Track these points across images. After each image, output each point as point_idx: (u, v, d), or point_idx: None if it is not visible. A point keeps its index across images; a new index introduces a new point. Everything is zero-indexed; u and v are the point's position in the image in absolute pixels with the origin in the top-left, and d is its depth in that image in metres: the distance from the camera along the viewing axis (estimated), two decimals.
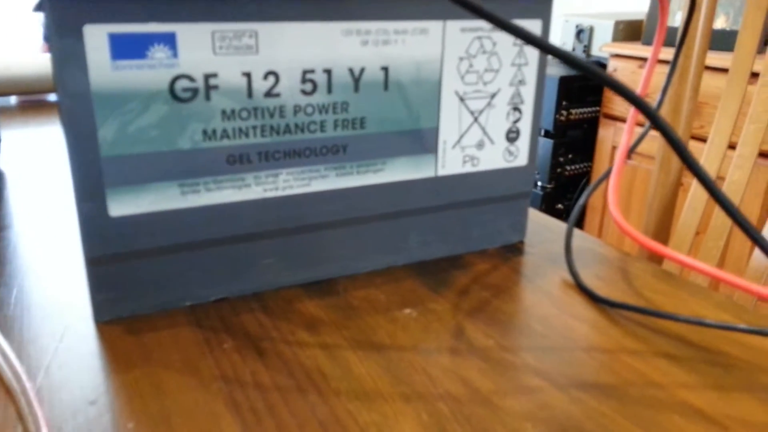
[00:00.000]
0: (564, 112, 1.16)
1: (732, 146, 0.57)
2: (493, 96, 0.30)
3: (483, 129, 0.30)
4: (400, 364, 0.23)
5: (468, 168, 0.31)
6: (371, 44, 0.26)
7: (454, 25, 0.28)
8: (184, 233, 0.25)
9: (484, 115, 0.30)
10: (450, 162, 0.30)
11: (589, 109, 1.18)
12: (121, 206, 0.24)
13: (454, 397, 0.21)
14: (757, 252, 0.55)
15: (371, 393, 0.21)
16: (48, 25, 0.21)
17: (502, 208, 0.33)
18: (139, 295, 0.25)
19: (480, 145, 0.30)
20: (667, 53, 0.96)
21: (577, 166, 1.22)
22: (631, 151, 0.33)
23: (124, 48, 0.22)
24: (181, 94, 0.23)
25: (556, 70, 1.20)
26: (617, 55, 1.11)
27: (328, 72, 0.26)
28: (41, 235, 0.34)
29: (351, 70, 0.26)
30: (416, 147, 0.29)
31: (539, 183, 1.22)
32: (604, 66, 1.17)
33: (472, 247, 0.32)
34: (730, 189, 0.56)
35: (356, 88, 0.27)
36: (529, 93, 0.31)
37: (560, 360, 0.23)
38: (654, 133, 1.02)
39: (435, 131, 0.29)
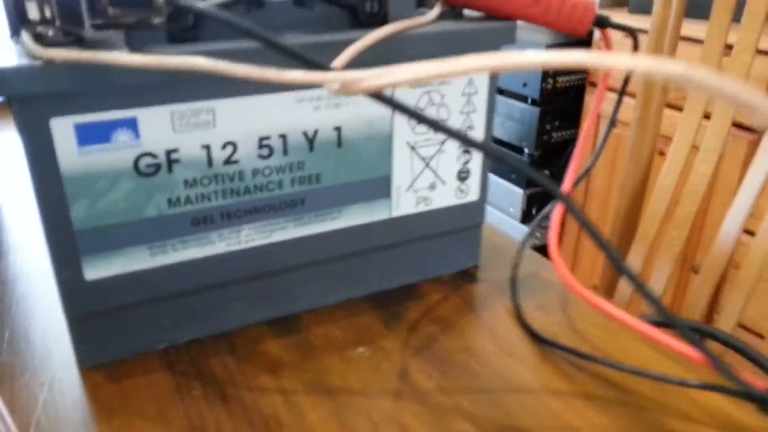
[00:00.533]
0: (550, 80, 1.17)
1: (708, 116, 0.58)
2: (442, 142, 0.32)
3: (434, 172, 0.33)
4: (347, 410, 0.26)
5: (421, 208, 0.33)
6: (324, 108, 0.28)
7: None
8: (154, 289, 0.28)
9: (435, 160, 0.32)
10: (404, 204, 0.32)
11: (576, 77, 1.19)
12: (95, 271, 0.26)
13: None
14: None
15: None
16: (16, 118, 0.23)
17: (455, 239, 0.35)
18: (117, 343, 0.28)
19: (432, 187, 0.33)
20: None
21: (564, 133, 1.24)
22: (576, 184, 0.35)
23: (89, 135, 0.24)
24: (144, 170, 0.26)
25: (542, 37, 1.20)
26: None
27: (284, 137, 0.28)
28: (35, 264, 0.37)
29: (305, 133, 0.28)
30: (371, 194, 0.31)
31: (526, 150, 1.24)
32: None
33: (427, 274, 0.35)
34: (705, 157, 0.58)
35: (311, 149, 0.29)
36: (478, 137, 0.33)
37: (489, 403, 0.27)
38: (627, 118, 1.03)
39: (388, 179, 0.31)
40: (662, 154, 1.03)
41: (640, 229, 0.65)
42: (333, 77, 0.20)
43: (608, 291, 0.69)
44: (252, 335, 0.31)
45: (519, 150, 1.27)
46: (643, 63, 0.16)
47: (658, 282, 0.63)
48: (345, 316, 0.32)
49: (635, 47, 0.32)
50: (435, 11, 0.30)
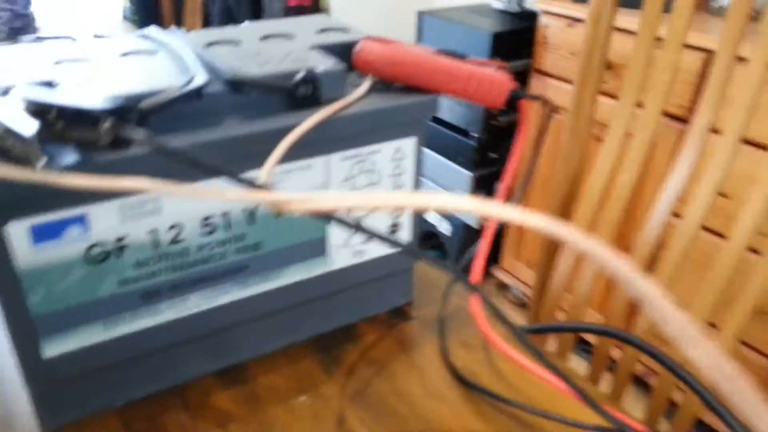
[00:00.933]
0: None
1: (641, 106, 0.62)
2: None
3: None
4: None
5: (356, 260, 0.36)
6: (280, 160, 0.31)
7: (335, 157, 0.32)
8: (108, 357, 0.30)
9: (368, 219, 0.35)
10: (339, 259, 0.35)
11: (522, 63, 1.22)
12: (53, 349, 0.29)
13: None
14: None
15: None
16: None
17: (389, 281, 0.39)
18: (76, 405, 0.31)
19: (365, 241, 0.36)
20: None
21: (510, 117, 1.28)
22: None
23: (43, 234, 0.26)
24: (95, 258, 0.28)
25: (488, 24, 1.22)
26: (548, 12, 1.14)
27: (226, 214, 0.30)
28: None
29: (245, 210, 0.31)
30: (308, 254, 0.34)
31: (474, 134, 1.27)
32: (534, 16, 1.20)
33: (364, 314, 0.39)
34: (638, 145, 0.62)
35: (252, 222, 0.31)
36: (407, 194, 0.36)
37: None
38: (566, 103, 1.08)
39: (324, 239, 0.34)
40: (600, 140, 1.09)
41: (578, 214, 0.69)
42: (265, 198, 0.23)
43: (548, 265, 0.73)
44: (203, 387, 0.34)
45: (465, 133, 1.31)
46: (514, 215, 0.20)
47: (588, 273, 0.67)
48: (288, 363, 0.36)
49: (548, 116, 0.35)
50: (365, 86, 0.32)
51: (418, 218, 0.37)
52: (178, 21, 1.14)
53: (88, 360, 0.30)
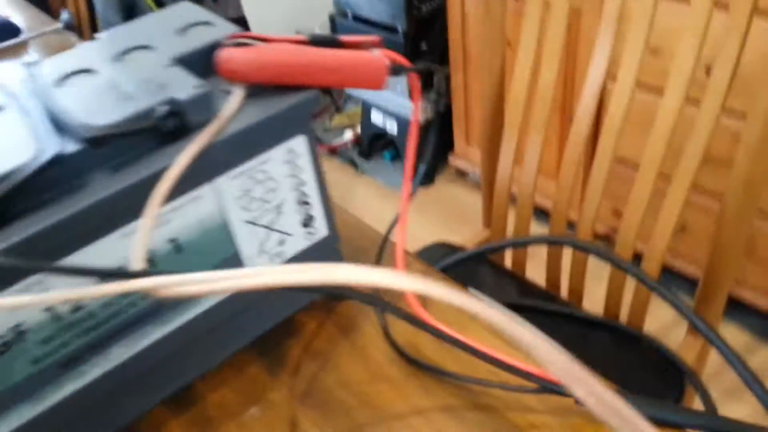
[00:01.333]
0: None
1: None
2: (278, 207, 0.34)
3: (280, 231, 0.35)
4: None
5: (277, 262, 0.36)
6: (154, 229, 0.30)
7: (222, 179, 0.31)
8: (47, 427, 0.31)
9: (277, 223, 0.35)
10: (259, 266, 0.35)
11: None
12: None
13: None
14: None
15: None
16: None
17: None
18: None
19: (281, 242, 0.35)
20: None
21: (432, 3, 1.22)
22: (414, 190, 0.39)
23: None
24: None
25: None
26: None
27: (121, 268, 0.29)
28: None
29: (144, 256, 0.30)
30: None
31: (399, 28, 1.22)
32: None
33: (299, 305, 0.39)
34: (558, 15, 0.61)
35: (154, 264, 0.30)
36: (311, 188, 0.35)
37: None
38: None
39: (237, 254, 0.34)
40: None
41: (510, 118, 0.68)
42: (142, 286, 0.22)
43: (492, 143, 0.74)
44: (155, 420, 0.34)
45: (392, 29, 1.26)
46: (388, 278, 0.19)
47: (535, 143, 0.67)
48: (234, 374, 0.36)
49: (430, 83, 0.34)
50: (236, 100, 0.30)
51: (329, 209, 0.37)
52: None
53: (41, 424, 0.30)
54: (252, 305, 0.36)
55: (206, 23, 0.35)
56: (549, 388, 0.31)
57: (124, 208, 0.27)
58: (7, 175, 0.25)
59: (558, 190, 0.67)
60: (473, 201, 1.46)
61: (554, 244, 0.70)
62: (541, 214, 1.31)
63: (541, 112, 0.66)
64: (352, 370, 0.35)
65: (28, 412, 0.29)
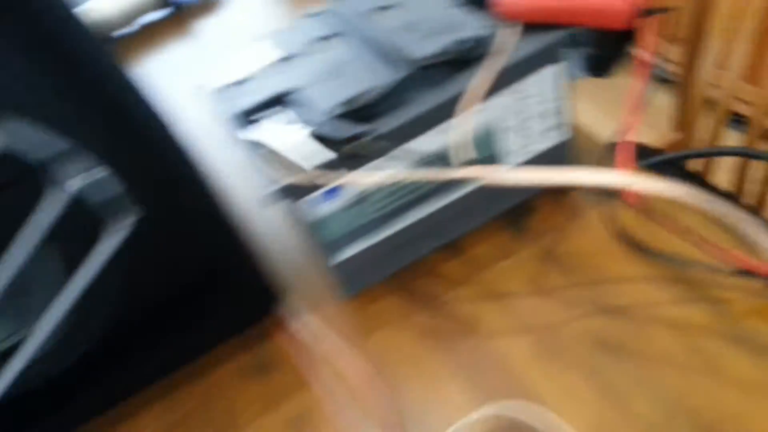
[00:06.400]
0: None
1: None
2: (535, 116, 0.47)
3: (532, 135, 0.48)
4: (516, 307, 0.47)
5: (527, 157, 0.49)
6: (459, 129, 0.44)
7: (498, 96, 0.44)
8: (372, 252, 0.48)
9: (530, 129, 0.47)
10: (512, 162, 0.49)
11: None
12: (337, 258, 0.47)
13: (543, 326, 0.45)
14: None
15: (494, 331, 0.46)
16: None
17: (553, 162, 0.51)
18: (357, 282, 0.50)
19: (531, 143, 0.48)
20: None
21: None
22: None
23: (325, 196, 0.43)
24: (353, 204, 0.44)
25: None
26: None
27: (441, 153, 0.45)
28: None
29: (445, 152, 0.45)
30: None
31: None
32: None
33: (535, 191, 0.52)
34: None
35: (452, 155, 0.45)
36: (560, 103, 0.47)
37: (592, 293, 0.46)
38: None
39: (496, 155, 0.47)
40: None
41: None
42: (468, 174, 0.37)
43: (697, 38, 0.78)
44: (431, 262, 0.51)
45: None
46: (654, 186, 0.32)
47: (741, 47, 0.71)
48: (489, 235, 0.51)
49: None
50: (514, 34, 0.43)
51: (569, 117, 0.49)
52: None
53: (360, 257, 0.48)
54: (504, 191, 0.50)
55: None
56: None
57: (441, 115, 0.42)
58: (369, 90, 0.41)
59: (757, 97, 0.70)
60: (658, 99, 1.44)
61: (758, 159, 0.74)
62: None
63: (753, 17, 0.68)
64: (581, 244, 0.49)
65: (364, 243, 0.47)
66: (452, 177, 0.39)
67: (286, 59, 0.45)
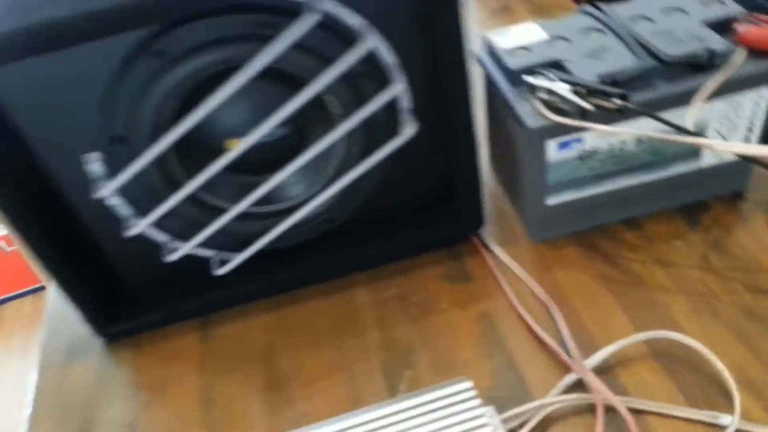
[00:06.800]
0: None
1: None
2: (746, 123, 0.58)
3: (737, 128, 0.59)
4: (681, 275, 0.57)
5: (715, 161, 0.60)
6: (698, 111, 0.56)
7: (712, 102, 0.56)
8: (579, 204, 0.60)
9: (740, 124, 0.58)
10: (706, 160, 0.60)
11: None
12: (553, 200, 0.59)
13: (702, 292, 0.56)
14: None
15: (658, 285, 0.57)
16: (523, 140, 0.55)
17: (731, 170, 0.62)
18: (560, 228, 0.62)
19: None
20: None
21: None
22: None
23: (563, 146, 0.55)
24: (581, 157, 0.56)
25: None
26: None
27: (647, 139, 0.56)
28: None
29: (655, 139, 0.56)
30: (688, 157, 0.59)
31: None
32: None
33: (712, 192, 0.63)
34: None
35: (655, 144, 0.57)
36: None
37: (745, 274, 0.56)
38: None
39: (698, 151, 0.59)
40: None
41: None
42: (701, 142, 0.48)
43: None
44: (615, 231, 0.62)
45: None
46: None
47: None
48: (663, 219, 0.62)
49: None
50: (741, 56, 0.54)
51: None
52: None
53: (566, 206, 0.60)
54: (694, 179, 0.61)
55: (721, 2, 0.58)
56: None
57: (675, 102, 0.53)
58: (623, 70, 0.53)
59: None
60: None
61: None
62: None
63: None
64: (745, 241, 0.59)
65: (574, 194, 0.59)
66: (685, 141, 0.50)
67: (558, 38, 0.57)
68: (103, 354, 0.62)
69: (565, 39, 0.57)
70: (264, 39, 0.46)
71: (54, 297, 0.68)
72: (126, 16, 0.41)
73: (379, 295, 0.62)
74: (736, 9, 0.58)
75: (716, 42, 0.53)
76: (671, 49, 0.53)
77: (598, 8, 0.60)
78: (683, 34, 0.55)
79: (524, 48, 0.57)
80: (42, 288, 2.06)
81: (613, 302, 0.57)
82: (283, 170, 0.54)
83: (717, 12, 0.57)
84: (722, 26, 0.55)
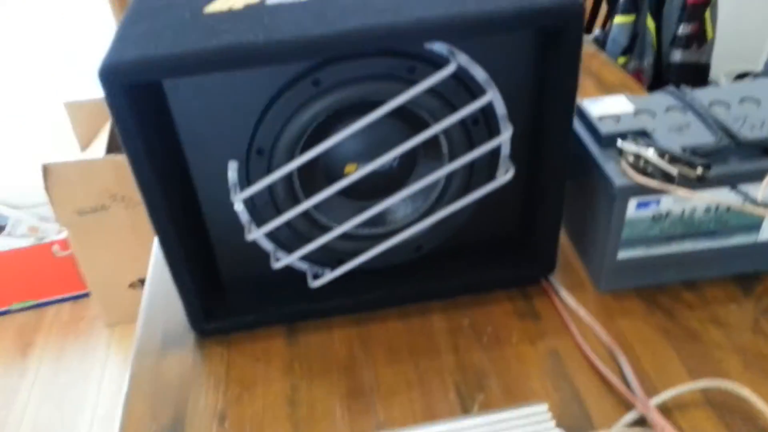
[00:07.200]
0: None
1: None
2: None
3: None
4: (734, 336, 0.63)
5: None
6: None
7: None
8: (649, 262, 0.66)
9: None
10: (764, 234, 0.66)
11: None
12: (624, 254, 0.65)
13: (756, 353, 0.61)
14: None
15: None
16: (605, 199, 0.62)
17: None
18: (629, 281, 0.68)
19: None
20: None
21: None
22: None
23: (641, 205, 0.62)
24: (655, 217, 0.63)
25: None
26: None
27: (717, 208, 0.63)
28: None
29: (723, 209, 0.63)
30: (752, 228, 0.65)
31: None
32: None
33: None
34: None
35: (723, 212, 0.64)
36: None
37: None
38: None
39: (760, 223, 0.65)
40: None
41: None
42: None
43: None
44: (672, 289, 0.68)
45: None
46: None
47: None
48: (724, 284, 0.68)
49: None
50: None
51: None
52: None
53: (635, 261, 0.66)
54: (757, 251, 0.67)
55: None
56: None
57: (749, 177, 0.60)
58: (705, 145, 0.60)
59: None
60: None
61: None
62: None
63: None
64: None
65: (644, 251, 0.65)
66: (758, 212, 0.57)
67: (643, 111, 0.65)
68: (195, 348, 0.67)
69: (650, 113, 0.65)
70: (407, 81, 0.53)
71: (150, 291, 0.74)
72: (302, 47, 0.48)
73: (453, 323, 0.68)
74: None
75: None
76: (747, 132, 0.61)
77: (679, 90, 0.67)
78: (756, 120, 0.62)
79: (613, 116, 0.65)
80: (85, 295, 2.10)
81: (672, 353, 0.63)
82: (389, 198, 0.61)
83: None
84: None
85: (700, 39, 1.62)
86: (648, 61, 1.70)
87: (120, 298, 1.84)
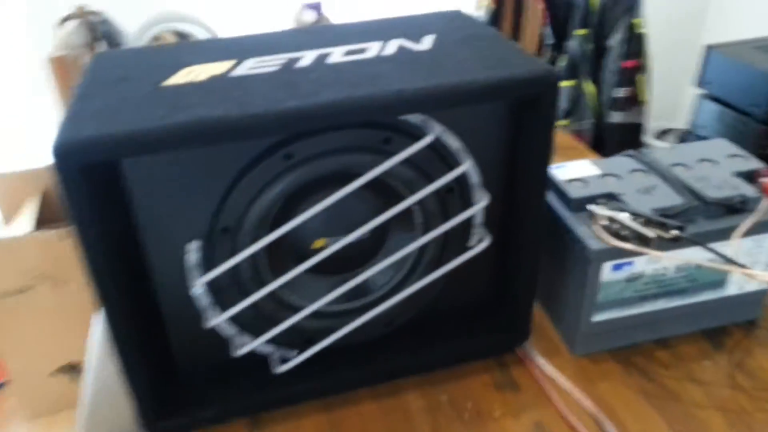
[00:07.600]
0: None
1: None
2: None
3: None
4: (712, 393, 0.63)
5: (738, 291, 0.68)
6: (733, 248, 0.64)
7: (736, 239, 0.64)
8: (624, 322, 0.65)
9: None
10: (731, 289, 0.67)
11: None
12: (599, 317, 0.64)
13: (736, 409, 0.61)
14: None
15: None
16: (576, 256, 0.61)
17: (749, 299, 0.70)
18: (601, 343, 0.67)
19: (747, 281, 0.67)
20: None
21: None
22: None
23: (616, 267, 0.62)
24: (628, 279, 0.63)
25: None
26: None
27: (685, 267, 0.64)
28: None
29: (690, 267, 0.64)
30: (716, 284, 0.66)
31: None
32: None
33: (731, 320, 0.70)
34: None
35: (688, 270, 0.64)
36: None
37: None
38: None
39: (724, 280, 0.66)
40: None
41: None
42: (750, 273, 0.56)
43: None
44: (645, 349, 0.68)
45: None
46: None
47: None
48: (695, 340, 0.69)
49: None
50: (766, 205, 0.63)
51: None
52: None
53: (610, 323, 0.65)
54: (719, 305, 0.68)
55: (743, 156, 0.69)
56: None
57: (715, 237, 0.61)
58: (673, 207, 0.61)
59: None
60: None
61: None
62: None
63: None
64: (765, 363, 0.66)
65: (619, 312, 0.65)
66: (730, 269, 0.57)
67: (608, 175, 0.65)
68: None
69: (615, 176, 0.65)
70: (382, 152, 0.51)
71: (94, 382, 0.67)
72: (278, 121, 0.45)
73: (431, 400, 0.64)
74: (756, 163, 0.68)
75: (748, 190, 0.63)
76: (711, 192, 0.62)
77: (639, 152, 0.69)
78: (718, 180, 0.64)
79: (581, 180, 0.65)
80: (1, 385, 1.91)
81: (655, 414, 0.62)
82: (362, 274, 0.58)
83: (741, 165, 0.67)
84: (747, 176, 0.65)
85: (635, 101, 1.72)
86: (588, 123, 1.78)
87: (43, 386, 1.68)
